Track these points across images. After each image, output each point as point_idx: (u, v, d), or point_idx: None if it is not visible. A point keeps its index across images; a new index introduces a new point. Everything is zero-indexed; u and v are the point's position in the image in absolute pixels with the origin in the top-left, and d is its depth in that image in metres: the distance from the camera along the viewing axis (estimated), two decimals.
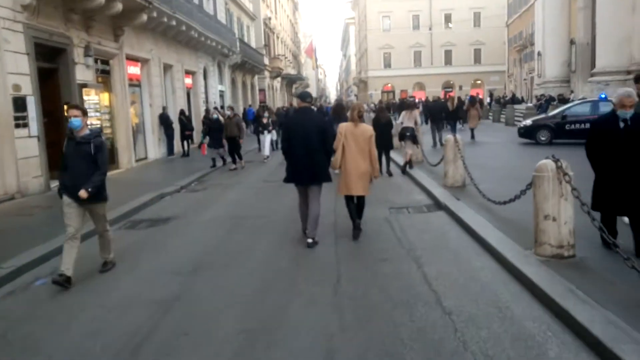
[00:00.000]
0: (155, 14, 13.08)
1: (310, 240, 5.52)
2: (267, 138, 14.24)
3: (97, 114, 10.97)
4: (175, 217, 7.40)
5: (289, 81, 49.84)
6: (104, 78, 12.12)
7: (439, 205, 7.18)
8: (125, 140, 12.65)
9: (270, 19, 38.94)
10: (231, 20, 26.44)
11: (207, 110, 19.06)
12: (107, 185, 5.05)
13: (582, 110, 14.42)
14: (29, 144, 8.93)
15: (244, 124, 13.26)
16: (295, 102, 7.53)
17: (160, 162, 14.66)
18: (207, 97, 21.25)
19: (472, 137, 16.21)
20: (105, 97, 12.15)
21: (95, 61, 11.36)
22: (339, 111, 10.07)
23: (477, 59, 53.27)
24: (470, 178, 7.24)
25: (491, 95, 30.57)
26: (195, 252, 5.54)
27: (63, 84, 10.02)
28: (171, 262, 5.21)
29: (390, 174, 10.19)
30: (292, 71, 49.98)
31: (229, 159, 12.61)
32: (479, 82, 53.00)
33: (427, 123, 17.48)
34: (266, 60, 36.00)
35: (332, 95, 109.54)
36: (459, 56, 52.95)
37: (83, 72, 10.45)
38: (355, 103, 6.79)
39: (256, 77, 33.85)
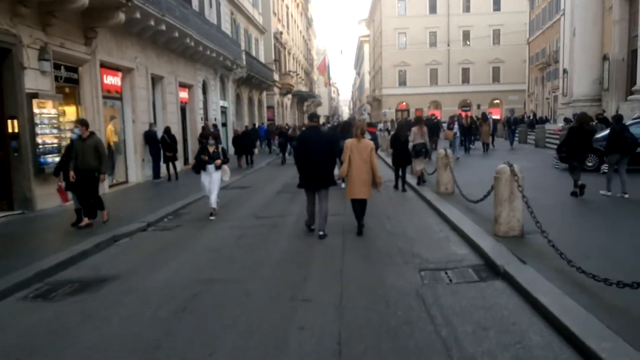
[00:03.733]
0: (138, 15, 11.20)
1: (321, 233, 6.45)
2: (216, 178, 8.32)
3: (55, 130, 8.97)
4: (116, 278, 5.22)
5: (300, 98, 48.15)
6: (71, 88, 10.20)
7: (493, 269, 4.90)
8: None
9: (281, 33, 37.40)
10: (237, 32, 24.76)
11: (204, 127, 17.13)
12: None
13: (637, 131, 12.15)
14: None
15: (105, 150, 7.89)
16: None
17: (142, 187, 12.60)
18: (206, 113, 19.36)
19: (485, 150, 18.82)
20: (71, 111, 10.21)
21: (58, 67, 9.46)
22: (348, 128, 10.46)
23: (496, 78, 51.34)
24: (541, 230, 4.93)
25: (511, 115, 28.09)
26: None
27: (7, 94, 8.07)
28: None
29: (405, 189, 10.35)
30: (303, 88, 48.32)
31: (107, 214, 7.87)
32: (497, 101, 51.06)
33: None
34: (276, 76, 34.30)
35: (345, 114, 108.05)
36: (477, 74, 51.08)
37: (36, 80, 8.49)
38: (358, 122, 7.80)
39: (264, 93, 32.06)
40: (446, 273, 4.96)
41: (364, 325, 3.79)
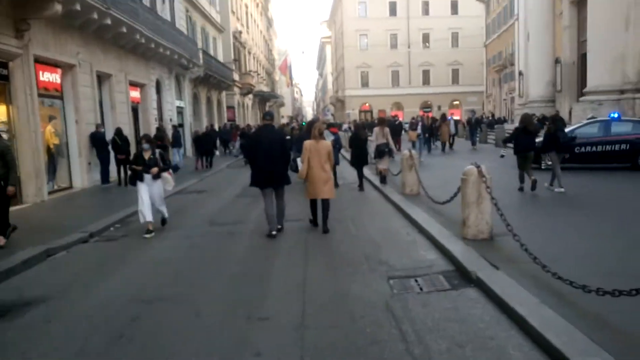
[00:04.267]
0: (78, 7, 10.29)
1: (279, 226, 6.55)
2: (157, 190, 7.08)
3: None
4: (44, 300, 4.50)
5: (262, 99, 47.36)
6: (1, 85, 9.21)
7: (465, 275, 4.57)
8: (31, 165, 9.65)
9: (241, 33, 36.56)
10: (194, 30, 23.82)
11: (159, 128, 16.28)
12: None
13: (592, 131, 12.39)
14: None
15: (14, 157, 6.54)
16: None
17: (88, 192, 11.63)
18: (160, 114, 18.40)
19: (443, 149, 19.59)
20: (1, 110, 9.22)
21: None
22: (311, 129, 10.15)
23: (455, 79, 52.40)
24: (512, 234, 4.62)
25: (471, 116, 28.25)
26: None
27: None
28: None
29: (362, 188, 10.38)
30: (265, 88, 47.59)
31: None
32: (456, 102, 52.18)
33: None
34: (236, 76, 33.45)
35: (309, 115, 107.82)
36: (437, 76, 51.95)
37: None
38: (316, 123, 7.46)
39: (224, 93, 31.14)
40: (416, 281, 4.59)
41: (328, 347, 3.33)
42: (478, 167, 5.47)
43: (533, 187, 8.64)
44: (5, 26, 8.79)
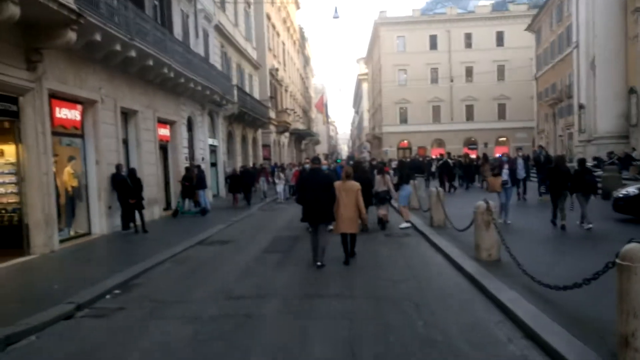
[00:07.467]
0: (98, 37, 9.42)
1: (319, 264, 7.22)
2: None
3: None
4: None
5: (298, 137, 46.68)
6: (10, 122, 8.26)
7: None
8: (40, 212, 8.52)
9: (277, 70, 36.29)
10: (229, 66, 23.30)
11: (188, 168, 15.41)
12: None
13: None
14: None
15: None
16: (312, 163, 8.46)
17: (105, 240, 10.36)
18: (192, 153, 17.46)
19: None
20: (10, 150, 8.25)
21: None
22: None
23: (502, 114, 49.38)
24: None
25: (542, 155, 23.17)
26: None
27: None
28: None
29: (366, 229, 10.25)
30: (301, 126, 47.00)
31: None
32: (503, 139, 49.11)
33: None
34: (272, 114, 32.82)
35: (344, 152, 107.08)
36: (482, 111, 49.15)
37: None
38: (345, 167, 9.31)
39: (259, 131, 30.40)
40: None
41: None
42: None
43: (562, 228, 9.26)
44: (13, 56, 7.85)
